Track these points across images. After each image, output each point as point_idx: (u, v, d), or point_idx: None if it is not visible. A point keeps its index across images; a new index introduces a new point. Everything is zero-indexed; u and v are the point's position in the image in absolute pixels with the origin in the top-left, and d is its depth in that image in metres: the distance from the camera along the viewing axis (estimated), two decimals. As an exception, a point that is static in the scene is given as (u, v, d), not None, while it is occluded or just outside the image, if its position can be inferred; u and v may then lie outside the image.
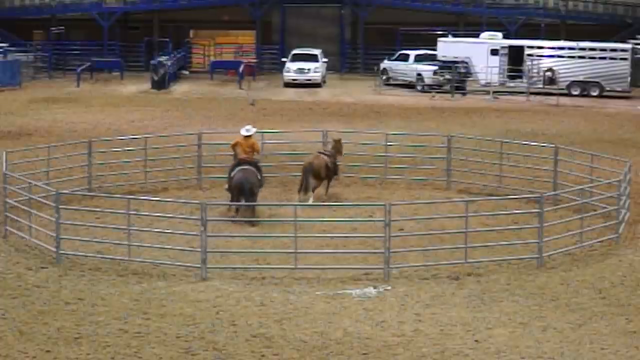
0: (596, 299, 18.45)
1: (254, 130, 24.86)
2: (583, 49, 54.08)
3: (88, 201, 24.93)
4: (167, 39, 62.50)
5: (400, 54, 58.11)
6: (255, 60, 62.56)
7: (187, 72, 62.36)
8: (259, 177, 24.05)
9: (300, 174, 25.51)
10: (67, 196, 23.48)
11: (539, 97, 51.50)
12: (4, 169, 23.67)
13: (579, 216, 22.59)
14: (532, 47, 54.98)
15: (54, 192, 20.95)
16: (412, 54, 57.33)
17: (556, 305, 18.02)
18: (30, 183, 22.76)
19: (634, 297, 18.53)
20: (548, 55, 54.54)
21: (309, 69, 56.70)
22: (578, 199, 24.20)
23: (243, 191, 23.47)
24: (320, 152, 26.30)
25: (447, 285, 19.14)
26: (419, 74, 55.40)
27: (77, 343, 15.78)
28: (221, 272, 19.61)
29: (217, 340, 16.04)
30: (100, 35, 62.96)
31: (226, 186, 24.39)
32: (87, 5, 64.82)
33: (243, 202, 23.40)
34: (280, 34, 66.07)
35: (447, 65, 53.94)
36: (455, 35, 59.36)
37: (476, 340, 16.17)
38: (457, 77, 53.51)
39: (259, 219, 23.17)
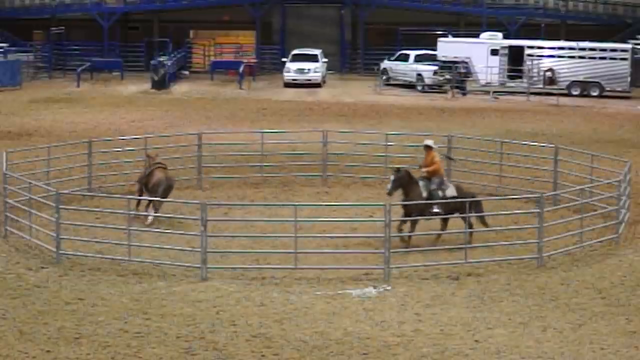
0: (596, 299, 18.44)
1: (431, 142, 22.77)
2: (583, 49, 54.02)
3: (88, 201, 24.93)
4: (167, 39, 62.40)
5: (400, 54, 58.07)
6: (255, 61, 62.51)
7: (187, 72, 62.30)
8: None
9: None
10: (67, 196, 23.48)
11: (539, 97, 51.45)
12: (4, 169, 23.65)
13: (579, 216, 22.59)
14: (532, 47, 54.90)
15: (54, 192, 20.96)
16: (412, 54, 57.27)
17: (556, 305, 18.01)
18: (30, 183, 22.75)
19: (634, 297, 18.53)
20: (548, 56, 54.48)
21: (309, 69, 56.66)
22: (578, 199, 24.20)
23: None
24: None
25: (447, 285, 19.14)
26: (419, 74, 55.39)
27: (77, 343, 15.78)
28: (221, 272, 19.61)
29: (217, 340, 16.04)
30: (100, 35, 62.92)
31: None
32: (87, 5, 64.78)
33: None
34: (280, 34, 66.00)
35: (447, 65, 53.92)
36: (455, 35, 59.31)
37: (476, 340, 16.17)
38: (457, 77, 53.50)
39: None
